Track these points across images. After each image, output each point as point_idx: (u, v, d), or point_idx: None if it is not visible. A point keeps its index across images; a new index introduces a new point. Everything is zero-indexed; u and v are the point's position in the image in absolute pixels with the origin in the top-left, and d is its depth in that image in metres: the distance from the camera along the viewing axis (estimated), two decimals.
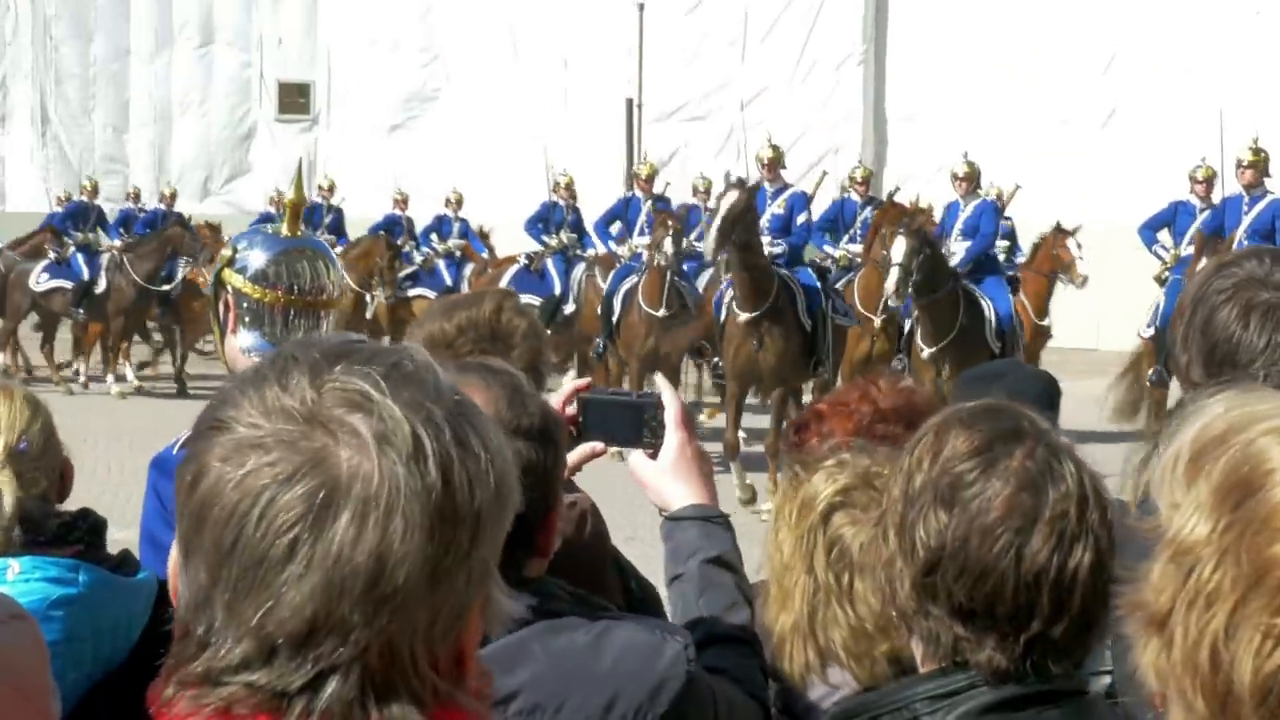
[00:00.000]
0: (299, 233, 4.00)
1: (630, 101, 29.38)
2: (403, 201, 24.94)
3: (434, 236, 23.99)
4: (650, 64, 30.56)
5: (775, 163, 17.60)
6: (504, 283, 19.50)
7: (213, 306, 4.02)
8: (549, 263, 21.00)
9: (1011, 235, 20.15)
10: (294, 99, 39.00)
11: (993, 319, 15.97)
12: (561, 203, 21.59)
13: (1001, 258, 18.48)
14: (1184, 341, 3.10)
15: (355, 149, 35.65)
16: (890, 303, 16.09)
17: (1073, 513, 2.17)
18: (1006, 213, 19.42)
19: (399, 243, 22.92)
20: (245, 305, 3.91)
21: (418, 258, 23.48)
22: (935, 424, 2.27)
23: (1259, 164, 17.08)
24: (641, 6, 30.58)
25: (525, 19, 35.23)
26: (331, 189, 24.35)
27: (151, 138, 39.06)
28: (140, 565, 3.15)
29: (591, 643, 2.44)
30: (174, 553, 1.46)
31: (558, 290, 20.55)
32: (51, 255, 23.68)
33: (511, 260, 21.67)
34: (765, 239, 16.30)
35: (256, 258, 3.93)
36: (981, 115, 30.81)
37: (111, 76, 39.31)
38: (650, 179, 20.17)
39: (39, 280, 23.39)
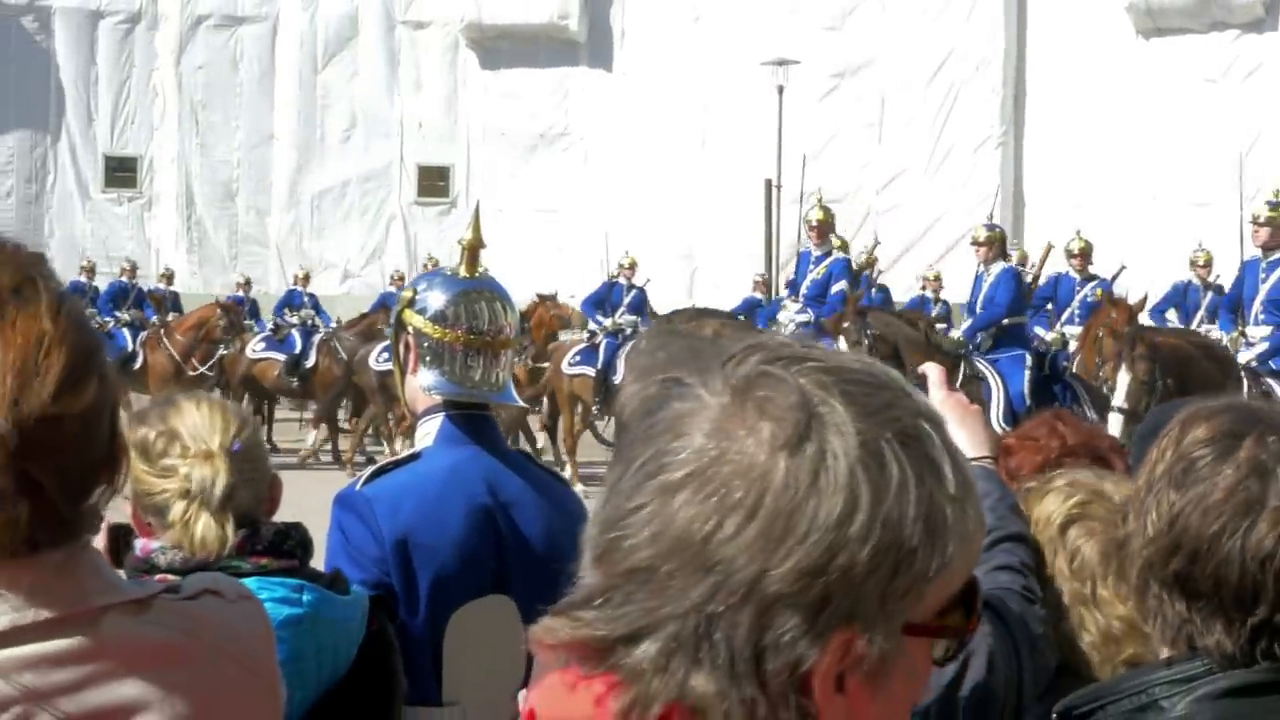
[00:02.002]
0: (476, 274, 4.05)
1: (769, 182, 29.44)
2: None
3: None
4: (787, 146, 30.65)
5: (824, 226, 17.38)
6: (569, 355, 21.01)
7: (393, 347, 4.08)
8: (602, 341, 21.44)
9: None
10: (433, 182, 39.54)
11: (1000, 399, 14.85)
12: (624, 282, 21.96)
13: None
14: None
15: (493, 231, 35.98)
16: None
17: None
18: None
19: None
20: (426, 345, 3.95)
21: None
22: (1182, 418, 2.30)
23: (1278, 221, 14.74)
24: (781, 89, 30.70)
25: (665, 100, 35.51)
26: (633, 267, 24.29)
27: (293, 220, 39.72)
28: (350, 583, 3.19)
29: None
30: None
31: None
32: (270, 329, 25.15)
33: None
34: (795, 306, 16.17)
35: (436, 299, 3.98)
36: (1117, 195, 30.64)
37: (255, 161, 40.06)
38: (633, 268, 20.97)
39: (254, 350, 24.37)
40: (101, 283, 28.58)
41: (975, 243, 16.75)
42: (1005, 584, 2.81)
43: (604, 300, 21.90)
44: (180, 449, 3.08)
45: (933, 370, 3.00)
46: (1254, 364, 14.43)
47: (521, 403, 4.14)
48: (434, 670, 3.77)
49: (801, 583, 1.31)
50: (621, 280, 22.30)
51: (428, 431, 3.94)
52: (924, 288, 24.97)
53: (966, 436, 2.99)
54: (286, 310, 26.02)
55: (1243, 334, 15.18)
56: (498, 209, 37.28)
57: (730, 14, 35.89)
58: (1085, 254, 17.81)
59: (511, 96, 38.12)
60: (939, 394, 2.95)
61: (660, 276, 23.84)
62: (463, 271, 4.05)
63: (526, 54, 38.42)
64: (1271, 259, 14.61)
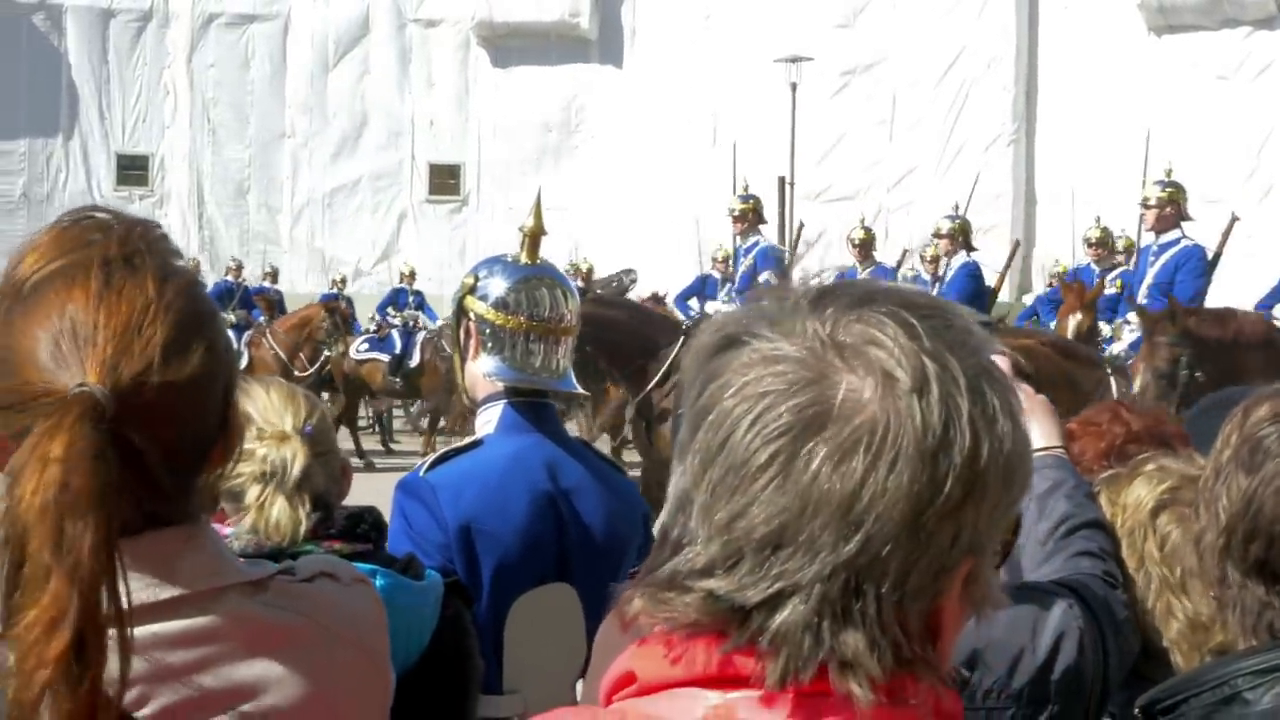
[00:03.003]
0: (537, 261, 4.05)
1: (783, 180, 29.39)
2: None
3: None
4: (798, 143, 30.63)
5: (867, 245, 17.08)
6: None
7: (453, 333, 4.08)
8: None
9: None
10: (444, 180, 39.55)
11: None
12: (717, 275, 21.68)
13: None
14: None
15: (505, 230, 36.02)
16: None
17: None
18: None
19: None
20: (487, 331, 3.95)
21: None
22: (1246, 403, 2.29)
23: (1167, 204, 13.83)
24: (795, 86, 30.68)
25: (676, 97, 35.50)
26: (726, 260, 23.84)
27: (304, 218, 39.74)
28: (424, 568, 3.18)
29: None
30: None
31: None
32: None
33: None
34: (722, 298, 15.84)
35: (497, 285, 3.99)
36: (1130, 193, 30.59)
37: (266, 159, 40.07)
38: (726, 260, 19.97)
39: (358, 350, 24.12)
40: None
41: (937, 235, 16.38)
42: (1087, 569, 2.81)
43: (698, 294, 21.63)
44: (255, 431, 3.07)
45: (1001, 362, 2.99)
46: (1123, 356, 13.55)
47: (581, 390, 4.10)
48: (495, 658, 3.76)
49: (946, 521, 1.33)
50: (715, 273, 21.91)
51: (489, 418, 3.94)
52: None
53: (1037, 427, 2.99)
54: (390, 309, 25.89)
55: (1127, 321, 14.51)
56: (508, 207, 37.30)
57: (741, 12, 35.86)
58: (1104, 243, 17.46)
59: (523, 94, 38.12)
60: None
61: (672, 274, 23.79)
62: (524, 258, 4.05)
63: (538, 52, 38.42)
64: (1162, 242, 13.92)
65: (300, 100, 39.78)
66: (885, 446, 1.32)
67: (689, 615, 1.36)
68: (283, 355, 23.22)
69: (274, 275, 30.74)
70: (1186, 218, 14.01)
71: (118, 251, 1.85)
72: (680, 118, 35.57)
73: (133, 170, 40.00)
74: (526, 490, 3.84)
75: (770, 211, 18.40)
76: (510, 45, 38.75)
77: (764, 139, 32.86)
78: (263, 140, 40.02)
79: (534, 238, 4.06)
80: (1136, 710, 2.43)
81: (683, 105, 35.58)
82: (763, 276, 15.75)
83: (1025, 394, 3.01)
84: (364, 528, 3.12)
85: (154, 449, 1.78)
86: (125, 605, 1.68)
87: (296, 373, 22.03)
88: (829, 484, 1.32)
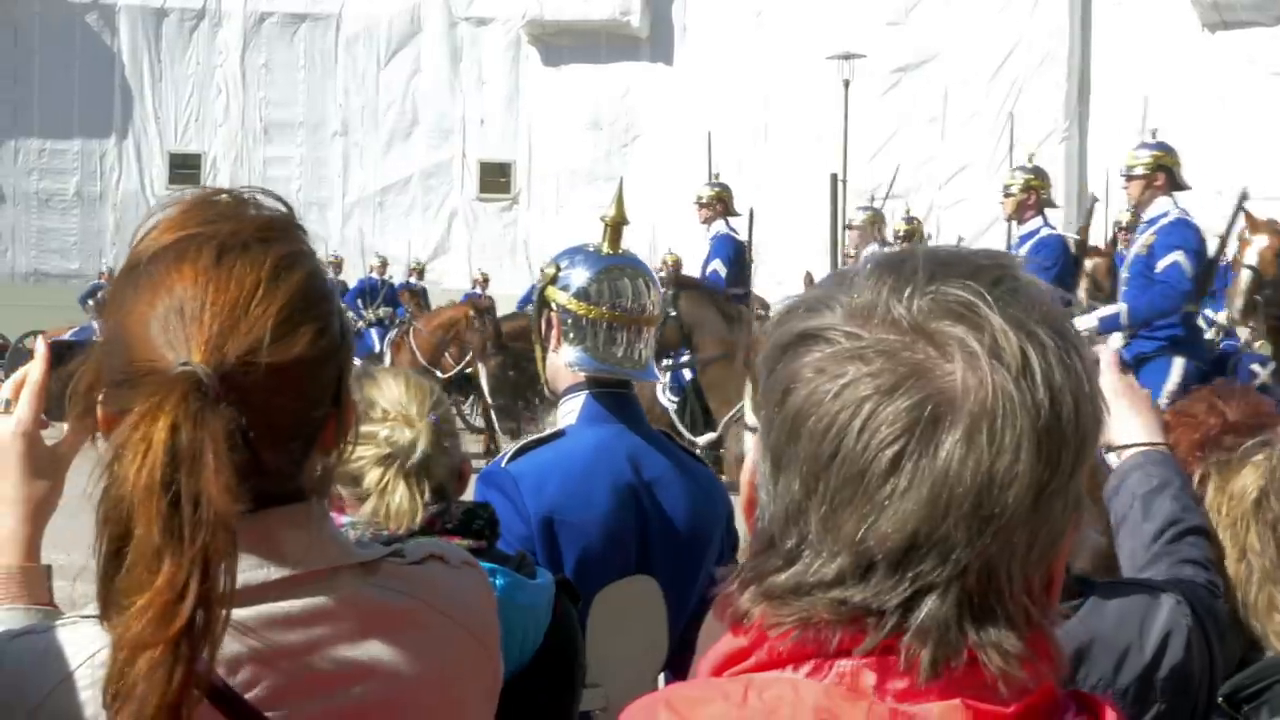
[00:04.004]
0: (619, 251, 4.02)
1: (835, 177, 29.39)
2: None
3: None
4: (850, 141, 30.56)
5: (713, 202, 16.67)
6: None
7: (535, 324, 4.05)
8: None
9: None
10: (495, 178, 39.64)
11: None
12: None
13: None
14: None
15: (555, 228, 36.07)
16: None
17: None
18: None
19: None
20: (569, 321, 3.93)
21: None
22: None
23: (1028, 190, 13.09)
24: (847, 83, 30.62)
25: (725, 94, 35.48)
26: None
27: (355, 216, 39.88)
28: (535, 565, 3.16)
29: (1091, 607, 2.51)
30: (750, 462, 1.43)
31: None
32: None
33: None
34: None
35: (579, 275, 3.96)
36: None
37: (317, 158, 40.24)
38: None
39: None
40: None
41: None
42: (1191, 577, 2.77)
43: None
44: (381, 413, 3.05)
45: (1105, 353, 2.95)
46: None
47: (662, 380, 4.07)
48: None
49: (1061, 490, 1.32)
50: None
51: (571, 409, 3.91)
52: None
53: (1140, 423, 2.95)
54: (360, 301, 25.85)
55: None
56: (559, 205, 37.37)
57: (792, 9, 35.82)
58: (1133, 229, 17.23)
59: (573, 93, 38.17)
60: (1111, 376, 2.89)
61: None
62: (605, 248, 4.02)
63: (588, 50, 38.47)
64: (1024, 232, 13.25)
65: (351, 99, 39.94)
66: (1005, 434, 1.29)
67: (819, 615, 1.33)
68: (422, 360, 21.73)
69: (420, 271, 29.90)
70: (1051, 204, 13.52)
71: (233, 230, 1.83)
72: (731, 115, 35.53)
73: (185, 169, 40.18)
74: (609, 481, 3.81)
75: (823, 208, 18.32)
76: (561, 43, 38.82)
77: (815, 136, 32.83)
78: (314, 139, 40.19)
79: (616, 228, 4.04)
80: (1220, 698, 2.40)
81: (734, 102, 35.53)
82: (711, 266, 15.36)
83: (1129, 387, 2.96)
84: (479, 524, 3.08)
85: (260, 429, 1.76)
86: (231, 587, 1.66)
87: (440, 374, 20.54)
88: (957, 481, 1.29)
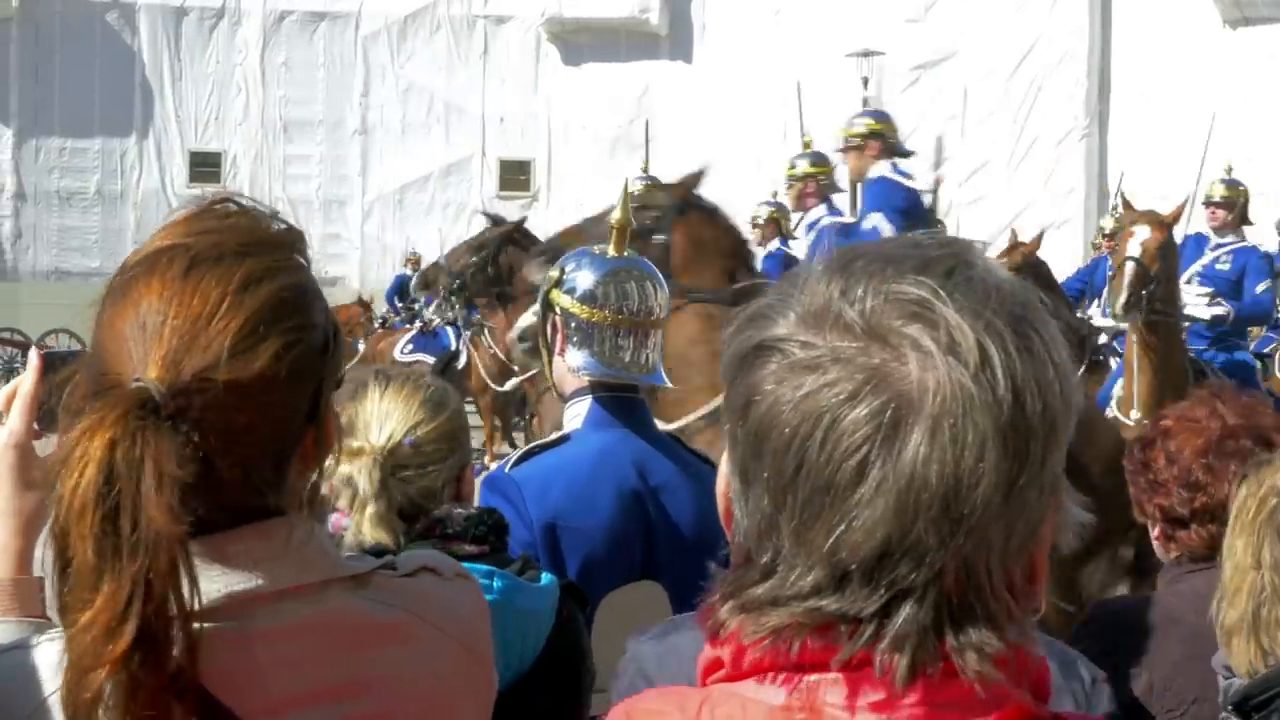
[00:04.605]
0: (625, 253, 4.00)
1: None
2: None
3: None
4: None
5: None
6: None
7: (540, 328, 4.03)
8: None
9: None
10: (515, 176, 39.65)
11: None
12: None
13: None
14: None
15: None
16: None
17: None
18: None
19: None
20: (574, 325, 3.90)
21: None
22: None
23: (1233, 202, 13.28)
24: (865, 81, 30.56)
25: (746, 91, 35.44)
26: None
27: (375, 214, 39.91)
28: (540, 568, 3.14)
29: None
30: (723, 476, 1.42)
31: None
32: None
33: None
34: None
35: (585, 278, 3.93)
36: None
37: (337, 155, 40.25)
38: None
39: (403, 351, 23.21)
40: None
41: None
42: None
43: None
44: (352, 438, 2.99)
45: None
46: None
47: (671, 384, 4.04)
48: None
49: (1035, 480, 1.30)
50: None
51: (576, 414, 3.89)
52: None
53: None
54: (398, 300, 25.64)
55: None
56: (579, 202, 37.32)
57: (811, 6, 35.76)
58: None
59: (592, 90, 38.15)
60: None
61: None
62: (611, 251, 3.99)
63: (607, 48, 38.44)
64: (809, 220, 13.74)
65: (370, 97, 39.95)
66: (968, 432, 1.26)
67: (795, 625, 1.32)
68: (501, 355, 21.17)
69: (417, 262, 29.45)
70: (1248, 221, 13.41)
71: (214, 243, 1.81)
72: (750, 113, 35.48)
73: (205, 167, 40.17)
74: (614, 487, 3.79)
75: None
76: (580, 41, 38.79)
77: (835, 133, 32.76)
78: (334, 137, 40.20)
79: (621, 230, 4.01)
80: (1229, 708, 2.38)
81: (753, 101, 35.48)
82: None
83: None
84: (481, 530, 3.05)
85: (219, 446, 1.72)
86: (190, 604, 1.64)
87: (517, 375, 19.58)
88: (924, 484, 1.27)
